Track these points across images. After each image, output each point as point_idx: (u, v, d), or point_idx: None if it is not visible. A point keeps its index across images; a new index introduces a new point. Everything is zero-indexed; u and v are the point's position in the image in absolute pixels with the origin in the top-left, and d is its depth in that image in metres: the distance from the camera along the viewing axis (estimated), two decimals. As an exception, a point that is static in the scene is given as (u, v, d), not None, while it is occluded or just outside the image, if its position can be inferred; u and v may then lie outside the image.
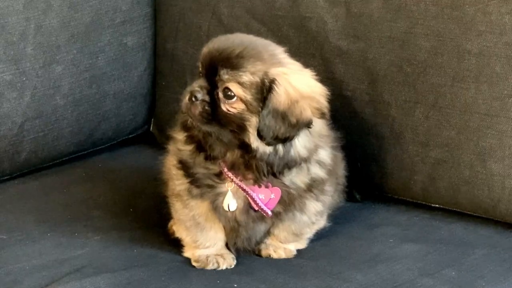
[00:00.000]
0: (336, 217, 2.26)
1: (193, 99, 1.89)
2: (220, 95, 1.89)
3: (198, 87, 1.90)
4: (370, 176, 2.42)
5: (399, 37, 2.31)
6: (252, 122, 1.90)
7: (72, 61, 2.59)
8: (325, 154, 2.03)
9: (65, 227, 2.23)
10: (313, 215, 2.08)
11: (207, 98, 1.89)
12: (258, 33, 2.39)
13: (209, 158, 1.96)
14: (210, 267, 2.03)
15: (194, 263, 2.05)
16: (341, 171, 2.19)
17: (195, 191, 2.01)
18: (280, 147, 1.92)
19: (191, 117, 1.91)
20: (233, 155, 1.94)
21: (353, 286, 1.95)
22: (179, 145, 2.01)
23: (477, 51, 2.21)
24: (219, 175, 1.98)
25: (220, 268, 2.03)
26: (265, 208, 1.98)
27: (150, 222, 2.23)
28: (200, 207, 2.03)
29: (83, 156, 2.72)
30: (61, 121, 2.60)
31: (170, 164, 2.05)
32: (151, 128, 2.91)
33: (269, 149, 1.92)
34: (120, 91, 2.75)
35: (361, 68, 2.38)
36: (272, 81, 1.88)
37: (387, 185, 2.41)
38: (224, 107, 1.89)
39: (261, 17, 2.53)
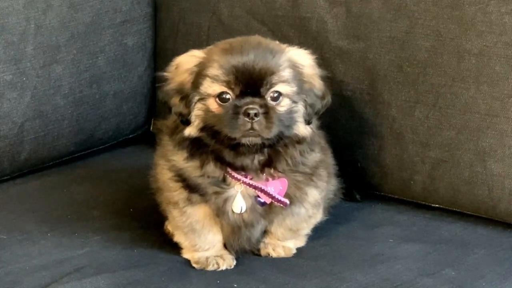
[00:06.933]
0: (336, 217, 2.26)
1: (255, 117, 1.89)
2: (269, 101, 1.92)
3: (250, 104, 1.90)
4: (370, 176, 2.42)
5: (399, 37, 2.31)
6: (300, 110, 1.97)
7: (72, 61, 2.59)
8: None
9: (65, 227, 2.23)
10: (311, 207, 2.09)
11: (262, 110, 1.90)
12: (258, 33, 2.38)
13: (232, 166, 1.97)
14: (210, 268, 2.03)
15: (194, 265, 2.05)
16: (329, 158, 2.19)
17: (196, 198, 2.02)
18: (311, 127, 2.00)
19: (256, 136, 1.91)
20: (262, 154, 1.97)
21: (353, 286, 1.95)
22: (180, 164, 2.01)
23: (477, 51, 2.21)
24: (224, 180, 1.99)
25: (220, 269, 2.03)
26: (281, 199, 2.00)
27: (150, 222, 2.23)
28: (197, 214, 2.04)
29: (83, 156, 2.72)
30: (61, 121, 2.60)
31: (165, 178, 2.05)
32: (151, 128, 2.91)
33: (309, 132, 1.99)
34: (120, 91, 2.74)
35: (361, 68, 2.38)
36: (296, 63, 1.97)
37: (387, 185, 2.41)
38: (276, 110, 1.92)
39: (261, 17, 2.53)
